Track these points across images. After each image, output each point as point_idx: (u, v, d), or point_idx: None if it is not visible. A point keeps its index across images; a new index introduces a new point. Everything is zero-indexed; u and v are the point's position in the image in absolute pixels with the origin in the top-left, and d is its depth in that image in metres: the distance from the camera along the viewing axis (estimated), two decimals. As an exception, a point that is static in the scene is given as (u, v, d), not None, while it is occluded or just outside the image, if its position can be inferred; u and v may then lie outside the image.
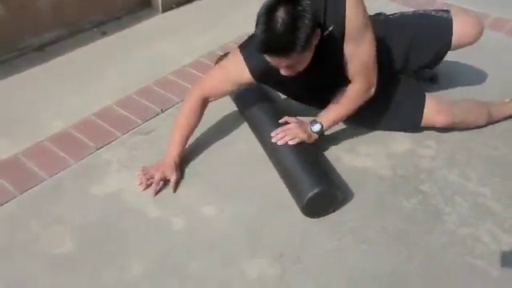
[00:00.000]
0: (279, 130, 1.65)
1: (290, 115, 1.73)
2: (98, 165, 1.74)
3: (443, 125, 1.80)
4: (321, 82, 1.63)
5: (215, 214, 1.55)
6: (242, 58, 1.57)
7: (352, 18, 1.44)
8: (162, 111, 2.01)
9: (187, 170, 1.71)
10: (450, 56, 1.89)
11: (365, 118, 1.84)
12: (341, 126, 1.90)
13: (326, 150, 1.82)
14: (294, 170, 1.56)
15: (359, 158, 1.79)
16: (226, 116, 1.96)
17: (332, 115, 1.65)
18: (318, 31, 1.40)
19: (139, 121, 1.95)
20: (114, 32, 2.59)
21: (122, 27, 2.63)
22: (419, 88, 1.91)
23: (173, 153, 1.63)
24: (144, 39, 2.54)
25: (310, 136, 1.64)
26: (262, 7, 1.33)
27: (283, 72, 1.45)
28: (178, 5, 2.84)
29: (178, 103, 2.05)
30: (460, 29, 1.78)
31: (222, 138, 1.86)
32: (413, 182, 1.69)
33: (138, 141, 1.86)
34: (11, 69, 2.24)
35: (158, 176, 1.59)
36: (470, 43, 1.83)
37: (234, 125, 1.92)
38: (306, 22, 1.30)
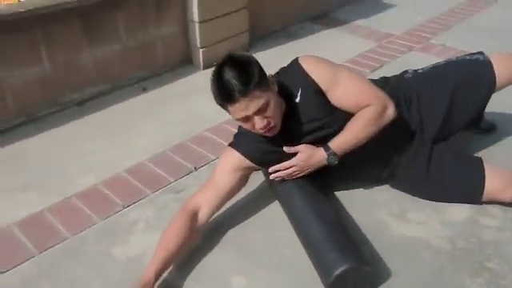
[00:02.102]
0: (288, 164, 1.49)
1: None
2: (123, 224, 1.64)
3: None
4: (319, 139, 1.50)
5: (246, 286, 1.37)
6: (231, 149, 1.54)
7: (318, 74, 1.44)
8: (195, 169, 1.91)
9: (216, 235, 1.57)
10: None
11: (416, 190, 1.67)
12: (388, 188, 1.72)
13: (371, 214, 1.63)
14: (314, 248, 1.39)
15: (410, 226, 1.58)
16: (257, 181, 1.79)
17: (346, 137, 1.45)
18: (273, 79, 1.42)
19: (171, 179, 1.86)
20: (155, 88, 2.58)
21: (162, 83, 2.63)
22: (473, 158, 1.67)
23: (150, 271, 1.31)
24: (183, 96, 2.51)
25: (318, 162, 1.49)
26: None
27: (259, 124, 1.35)
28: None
29: (212, 160, 1.95)
30: (501, 67, 1.61)
31: (253, 203, 1.71)
32: (476, 257, 1.45)
33: (167, 200, 1.75)
34: (50, 123, 2.24)
35: None
36: None
37: (265, 190, 1.76)
38: (253, 65, 1.34)
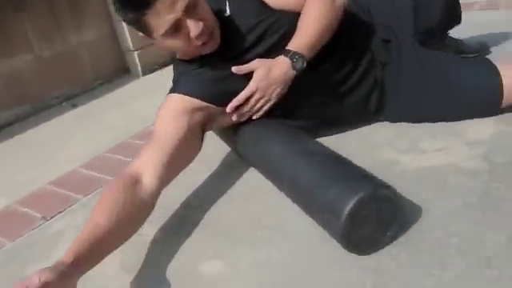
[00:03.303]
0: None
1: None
2: (44, 239, 1.18)
3: None
4: (271, 49, 1.18)
5: (226, 272, 0.93)
6: (170, 94, 1.19)
7: None
8: (142, 162, 1.49)
9: (182, 217, 1.15)
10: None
11: (418, 112, 1.31)
12: (385, 125, 1.35)
13: (374, 155, 1.24)
14: (308, 194, 0.98)
15: (427, 156, 1.20)
16: (222, 154, 1.42)
17: (304, 32, 1.13)
18: None
19: (109, 177, 1.42)
20: (86, 102, 2.18)
21: (95, 96, 2.23)
22: (477, 58, 1.37)
23: (68, 252, 0.86)
24: (120, 104, 2.12)
25: (283, 75, 1.12)
26: None
27: (195, 30, 1.04)
28: (162, 66, 2.47)
29: (161, 149, 1.54)
30: None
31: (224, 177, 1.32)
32: (526, 165, 1.07)
33: (105, 199, 1.30)
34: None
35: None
36: None
37: (234, 161, 1.36)
38: None
